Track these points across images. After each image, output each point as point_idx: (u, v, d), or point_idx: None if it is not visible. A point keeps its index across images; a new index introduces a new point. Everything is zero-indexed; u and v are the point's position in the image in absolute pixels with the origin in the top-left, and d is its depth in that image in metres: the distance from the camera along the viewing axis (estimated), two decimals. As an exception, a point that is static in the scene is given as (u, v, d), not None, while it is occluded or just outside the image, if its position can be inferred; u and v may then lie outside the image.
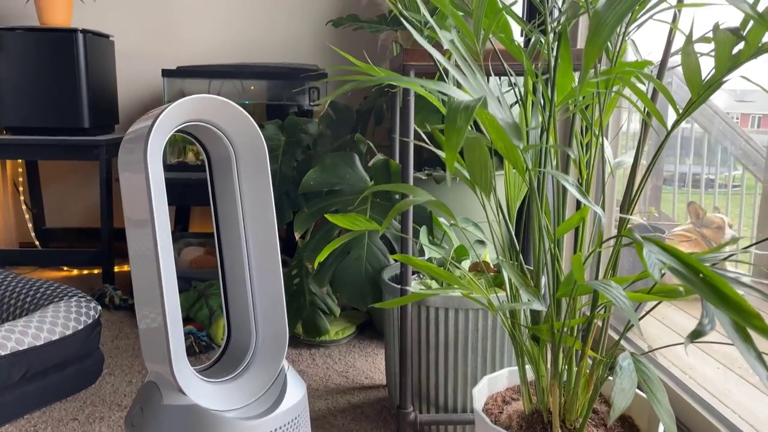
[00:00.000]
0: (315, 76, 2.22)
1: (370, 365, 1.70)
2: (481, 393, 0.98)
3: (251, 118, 0.96)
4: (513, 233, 0.91)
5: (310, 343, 1.82)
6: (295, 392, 0.96)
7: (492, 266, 1.36)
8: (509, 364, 1.26)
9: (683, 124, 3.06)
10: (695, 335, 0.45)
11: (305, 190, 1.53)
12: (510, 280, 0.92)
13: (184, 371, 0.81)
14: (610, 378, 0.99)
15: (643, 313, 0.98)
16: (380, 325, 1.92)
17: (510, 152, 0.82)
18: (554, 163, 0.90)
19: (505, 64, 0.95)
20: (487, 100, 0.59)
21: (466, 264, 1.42)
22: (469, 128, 0.80)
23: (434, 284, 1.31)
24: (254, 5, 2.60)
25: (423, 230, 1.49)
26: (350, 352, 1.79)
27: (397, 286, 1.31)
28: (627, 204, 0.78)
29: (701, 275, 0.47)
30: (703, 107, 2.73)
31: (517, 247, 0.91)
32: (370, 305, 1.47)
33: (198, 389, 0.81)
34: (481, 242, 1.53)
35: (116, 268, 2.41)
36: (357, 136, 1.65)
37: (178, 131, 0.88)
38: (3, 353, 1.33)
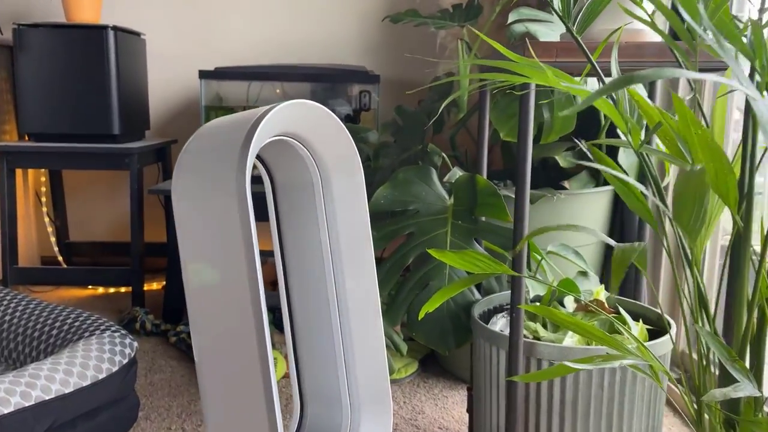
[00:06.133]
0: (368, 78, 2.00)
1: (441, 411, 1.48)
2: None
3: (348, 132, 0.74)
4: (703, 286, 0.69)
5: (369, 381, 1.61)
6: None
7: (607, 305, 1.13)
8: (641, 428, 1.03)
9: None
10: None
11: (374, 209, 1.31)
12: (705, 345, 0.69)
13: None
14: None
15: None
16: (445, 362, 1.70)
17: (721, 177, 0.60)
18: None
19: None
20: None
21: (568, 301, 1.19)
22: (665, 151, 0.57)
23: (540, 329, 1.08)
24: (295, 2, 2.39)
25: (515, 259, 1.27)
26: (415, 393, 1.57)
27: (498, 332, 1.08)
28: None
29: None
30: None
31: (709, 305, 0.69)
32: (453, 347, 1.25)
33: None
34: (584, 273, 1.30)
35: (145, 286, 2.20)
36: (430, 146, 1.44)
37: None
38: (26, 404, 1.12)
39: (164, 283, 2.06)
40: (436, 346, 1.25)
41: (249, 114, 0.57)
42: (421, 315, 0.81)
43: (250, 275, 0.52)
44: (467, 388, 1.34)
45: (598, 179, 1.52)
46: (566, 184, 1.49)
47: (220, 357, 0.63)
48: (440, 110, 1.35)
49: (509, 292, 1.27)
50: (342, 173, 0.77)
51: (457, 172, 1.40)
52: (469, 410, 1.33)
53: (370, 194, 1.34)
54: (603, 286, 1.17)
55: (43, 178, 2.37)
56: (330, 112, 0.70)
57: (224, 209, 0.53)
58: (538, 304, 1.18)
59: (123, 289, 2.32)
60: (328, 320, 0.81)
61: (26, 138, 2.12)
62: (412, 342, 1.77)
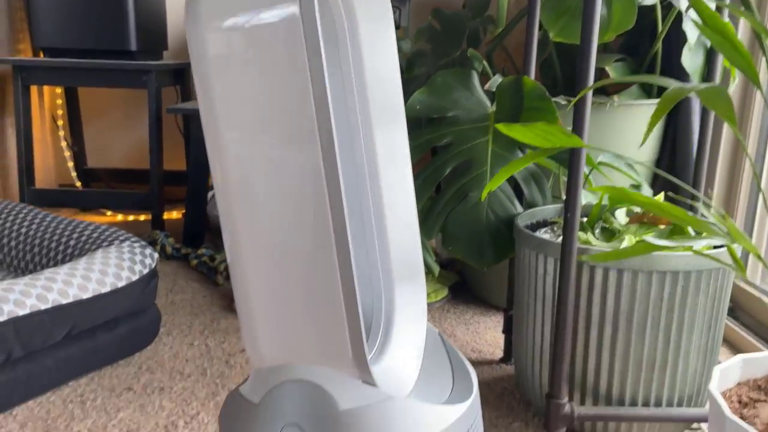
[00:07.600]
0: (398, -8, 1.87)
1: (473, 335, 1.41)
2: (717, 391, 0.68)
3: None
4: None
5: (397, 305, 1.54)
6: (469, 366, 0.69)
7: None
8: (700, 345, 0.95)
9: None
10: None
11: (410, 115, 1.21)
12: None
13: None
14: None
15: None
16: (476, 288, 1.62)
17: None
18: None
19: None
20: None
21: (620, 214, 1.10)
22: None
23: (592, 239, 1.00)
24: None
25: (561, 169, 1.17)
26: (445, 318, 1.50)
27: (547, 238, 0.99)
28: None
29: None
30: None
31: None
32: (491, 262, 1.17)
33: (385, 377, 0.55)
34: (637, 186, 1.20)
35: (165, 215, 2.14)
36: (470, 51, 1.32)
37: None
38: (43, 307, 1.07)
39: (183, 211, 2.00)
40: (473, 260, 1.17)
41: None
42: (483, 195, 0.72)
43: (322, 122, 0.44)
44: (504, 310, 1.27)
45: (650, 93, 1.41)
46: (616, 97, 1.38)
47: (275, 248, 0.55)
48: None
49: (553, 206, 1.18)
50: (370, 15, 0.67)
51: (498, 79, 1.29)
52: (506, 331, 1.26)
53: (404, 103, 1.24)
54: (661, 195, 1.07)
55: (59, 101, 2.30)
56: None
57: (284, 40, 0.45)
58: (584, 219, 1.09)
59: (142, 217, 2.27)
60: (354, 186, 0.70)
61: (41, 54, 2.04)
62: (442, 269, 1.70)
